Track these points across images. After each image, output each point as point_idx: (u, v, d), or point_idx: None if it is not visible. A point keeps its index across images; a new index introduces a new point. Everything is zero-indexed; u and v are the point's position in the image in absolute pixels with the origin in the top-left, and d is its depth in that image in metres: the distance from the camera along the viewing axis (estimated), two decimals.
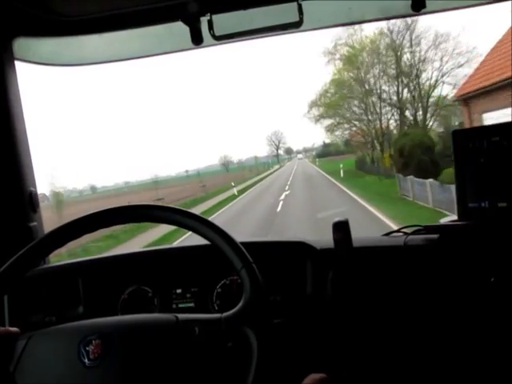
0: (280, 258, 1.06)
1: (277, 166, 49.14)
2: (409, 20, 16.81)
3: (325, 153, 49.38)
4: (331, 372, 0.75)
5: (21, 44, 1.18)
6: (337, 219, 0.99)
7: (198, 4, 1.04)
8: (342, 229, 0.98)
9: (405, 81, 17.91)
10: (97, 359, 0.62)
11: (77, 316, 1.06)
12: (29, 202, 1.15)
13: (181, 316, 0.69)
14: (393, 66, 18.26)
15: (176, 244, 2.90)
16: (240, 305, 0.68)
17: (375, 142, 20.56)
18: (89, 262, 1.17)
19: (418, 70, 17.66)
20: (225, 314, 0.67)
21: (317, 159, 42.58)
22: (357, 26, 17.81)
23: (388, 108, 19.16)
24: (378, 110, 19.63)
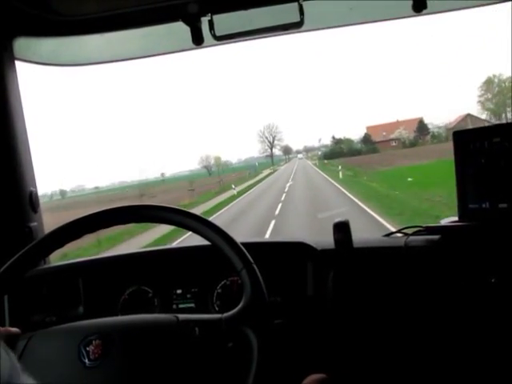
0: (280, 258, 1.06)
1: (266, 171, 35.82)
2: None
3: (334, 152, 36.89)
4: (331, 372, 0.75)
5: (21, 44, 1.17)
6: (337, 220, 0.99)
7: (198, 4, 1.03)
8: (342, 229, 0.98)
9: None
10: (97, 359, 0.62)
11: (77, 316, 1.06)
12: (29, 202, 1.15)
13: (181, 316, 0.69)
14: None
15: (176, 244, 2.89)
16: (240, 305, 0.68)
17: None
18: (89, 262, 1.17)
19: None
20: (225, 315, 0.67)
21: (340, 167, 21.77)
22: None
23: None
24: None
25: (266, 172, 36.83)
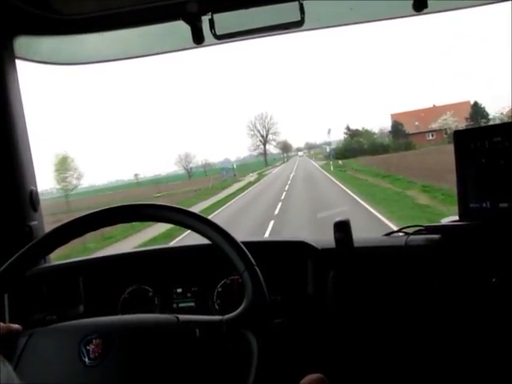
0: (281, 257, 1.06)
1: (248, 179, 23.22)
2: None
3: (351, 149, 25.59)
4: (331, 371, 0.75)
5: (21, 43, 1.17)
6: (338, 219, 0.99)
7: (199, 3, 1.03)
8: (343, 229, 0.98)
9: None
10: (97, 358, 0.62)
11: (77, 315, 1.06)
12: (29, 200, 1.15)
13: (182, 317, 0.68)
14: None
15: (177, 243, 2.89)
16: (242, 307, 0.68)
17: None
18: (90, 261, 1.17)
19: None
20: (226, 316, 0.67)
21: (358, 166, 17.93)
22: None
23: None
24: None
25: (242, 181, 23.05)
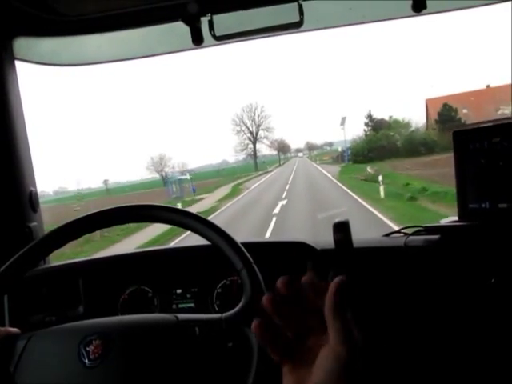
0: (280, 258, 1.06)
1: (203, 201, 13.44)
2: None
3: (376, 148, 17.03)
4: None
5: (21, 44, 1.18)
6: (337, 220, 0.99)
7: (198, 4, 1.04)
8: (342, 229, 0.98)
9: None
10: (97, 359, 0.62)
11: (77, 316, 1.06)
12: (29, 201, 1.15)
13: (181, 316, 0.69)
14: None
15: (176, 244, 2.88)
16: (240, 305, 0.68)
17: None
18: (89, 262, 1.17)
19: None
20: (225, 314, 0.68)
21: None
22: None
23: None
24: None
25: (203, 200, 15.06)
